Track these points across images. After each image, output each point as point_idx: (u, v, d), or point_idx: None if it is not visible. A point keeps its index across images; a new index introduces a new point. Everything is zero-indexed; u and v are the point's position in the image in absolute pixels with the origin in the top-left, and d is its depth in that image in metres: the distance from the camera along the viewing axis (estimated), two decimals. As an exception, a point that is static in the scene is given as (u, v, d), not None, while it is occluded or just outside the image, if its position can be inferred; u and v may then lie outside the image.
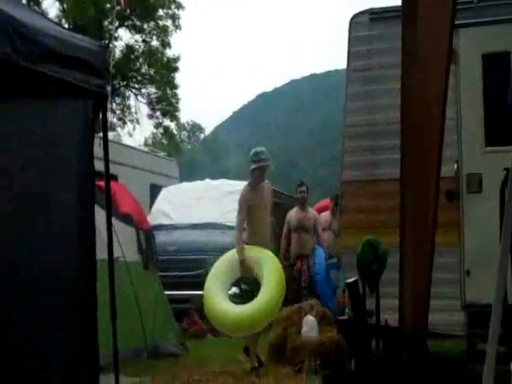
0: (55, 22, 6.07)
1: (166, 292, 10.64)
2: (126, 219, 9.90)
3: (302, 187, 12.14)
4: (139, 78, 37.69)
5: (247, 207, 9.24)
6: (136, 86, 37.96)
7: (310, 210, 12.36)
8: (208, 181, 17.24)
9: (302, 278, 11.71)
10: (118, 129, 37.13)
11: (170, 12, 36.92)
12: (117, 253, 7.55)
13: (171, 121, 40.76)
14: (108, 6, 32.28)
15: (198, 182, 17.55)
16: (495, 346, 3.49)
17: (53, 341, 4.64)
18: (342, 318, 9.01)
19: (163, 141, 47.79)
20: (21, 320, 4.46)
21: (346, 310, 8.63)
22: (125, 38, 37.37)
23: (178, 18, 37.08)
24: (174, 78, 38.07)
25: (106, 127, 5.46)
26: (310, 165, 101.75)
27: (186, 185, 18.06)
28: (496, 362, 3.53)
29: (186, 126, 78.98)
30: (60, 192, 4.95)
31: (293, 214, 12.24)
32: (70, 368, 4.76)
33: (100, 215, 5.55)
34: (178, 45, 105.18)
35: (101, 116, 5.43)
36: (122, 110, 38.68)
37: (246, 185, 9.55)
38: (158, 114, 39.41)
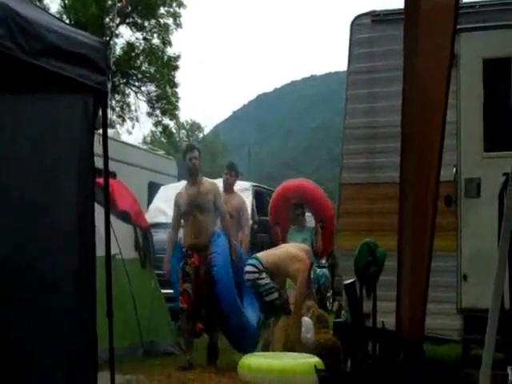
0: (57, 18, 6.05)
1: (163, 290, 10.62)
2: (124, 217, 9.89)
3: (193, 152, 9.55)
4: (139, 75, 37.72)
5: None
6: (136, 83, 37.99)
7: (204, 182, 9.62)
8: (206, 180, 17.23)
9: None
10: (118, 126, 37.16)
11: (171, 10, 36.97)
12: (114, 250, 7.56)
13: (170, 119, 40.82)
14: (109, 2, 32.32)
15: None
16: (491, 352, 3.49)
17: (52, 340, 4.64)
18: (338, 320, 8.98)
19: (162, 139, 47.76)
20: (19, 320, 4.45)
21: (343, 312, 8.62)
22: (126, 35, 37.45)
23: (179, 17, 37.15)
24: (174, 77, 38.12)
25: (105, 124, 5.46)
26: (309, 166, 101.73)
27: (184, 183, 18.04)
28: (492, 368, 3.53)
29: (185, 124, 79.03)
30: (59, 189, 4.94)
31: (182, 192, 9.60)
32: (69, 368, 4.76)
33: (98, 212, 5.55)
34: (179, 43, 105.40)
35: (101, 113, 5.43)
36: (122, 108, 38.71)
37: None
38: (158, 112, 39.43)
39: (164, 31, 36.94)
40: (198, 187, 9.29)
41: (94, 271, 4.93)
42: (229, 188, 10.80)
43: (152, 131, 52.80)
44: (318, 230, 12.03)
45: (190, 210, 9.18)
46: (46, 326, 4.60)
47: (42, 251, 4.67)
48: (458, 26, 5.56)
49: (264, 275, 8.51)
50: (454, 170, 7.70)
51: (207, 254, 9.11)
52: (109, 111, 6.98)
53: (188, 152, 9.52)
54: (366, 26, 8.53)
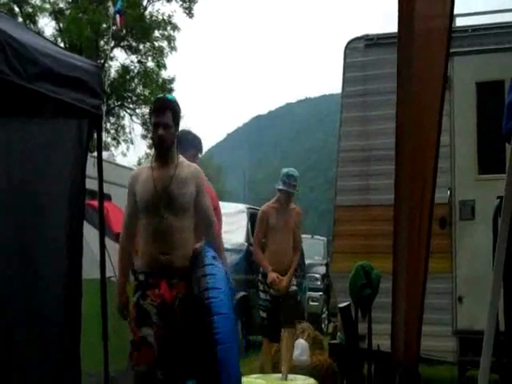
0: (51, 41, 6.09)
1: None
2: (119, 239, 9.87)
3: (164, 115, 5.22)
4: (134, 98, 37.72)
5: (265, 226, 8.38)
6: (131, 106, 37.98)
7: (182, 164, 5.49)
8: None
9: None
10: (112, 148, 37.13)
11: (166, 33, 37.02)
12: (109, 272, 7.54)
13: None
14: (104, 26, 32.39)
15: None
16: (487, 373, 3.49)
17: (36, 353, 4.65)
18: (333, 342, 8.97)
19: (157, 161, 47.64)
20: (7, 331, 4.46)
21: (338, 334, 8.61)
22: (120, 58, 37.46)
23: (174, 40, 37.20)
24: (168, 100, 38.10)
25: (100, 146, 5.48)
26: (303, 187, 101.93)
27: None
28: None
29: (180, 147, 78.88)
30: (51, 209, 4.97)
31: (141, 174, 5.46)
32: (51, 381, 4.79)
33: (93, 234, 5.57)
34: (174, 66, 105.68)
35: (95, 135, 5.46)
36: (117, 130, 38.64)
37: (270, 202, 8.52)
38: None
39: (159, 54, 36.98)
40: (171, 170, 5.39)
41: (80, 294, 4.95)
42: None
43: (147, 153, 52.64)
44: None
45: (154, 204, 5.28)
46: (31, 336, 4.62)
47: (32, 267, 4.71)
48: (451, 50, 5.60)
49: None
50: (449, 192, 7.73)
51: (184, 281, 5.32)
52: (103, 134, 7.00)
53: (154, 113, 5.41)
54: (360, 49, 8.58)
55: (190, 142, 6.52)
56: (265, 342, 8.42)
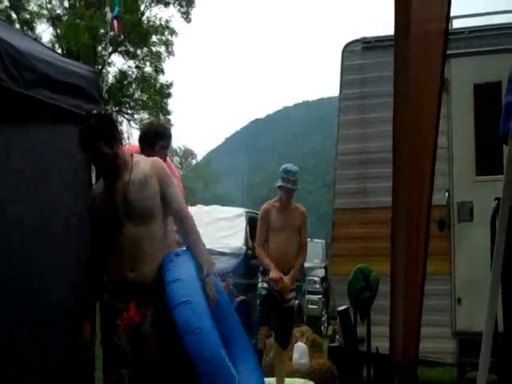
0: (48, 48, 6.10)
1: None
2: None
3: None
4: (132, 103, 37.70)
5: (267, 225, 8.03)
6: (129, 111, 37.95)
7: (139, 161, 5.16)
8: (200, 206, 17.19)
9: None
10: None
11: (164, 38, 37.03)
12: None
13: (163, 147, 40.64)
14: (102, 31, 32.38)
15: (190, 208, 17.46)
16: (486, 375, 3.49)
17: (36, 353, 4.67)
18: (333, 344, 8.97)
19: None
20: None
21: (337, 337, 8.61)
22: (118, 63, 37.57)
23: (172, 45, 37.21)
24: (166, 104, 38.10)
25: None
26: (302, 190, 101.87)
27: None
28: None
29: (178, 151, 78.96)
30: (54, 211, 4.98)
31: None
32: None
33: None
34: (171, 71, 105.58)
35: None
36: (115, 136, 38.64)
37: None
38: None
39: (156, 59, 36.98)
40: (126, 175, 4.73)
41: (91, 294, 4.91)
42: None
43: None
44: None
45: (114, 218, 4.66)
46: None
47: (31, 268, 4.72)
48: (448, 52, 5.61)
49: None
50: (447, 194, 7.73)
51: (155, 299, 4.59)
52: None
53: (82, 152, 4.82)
54: (357, 52, 8.59)
55: (159, 135, 6.10)
56: (260, 331, 7.98)
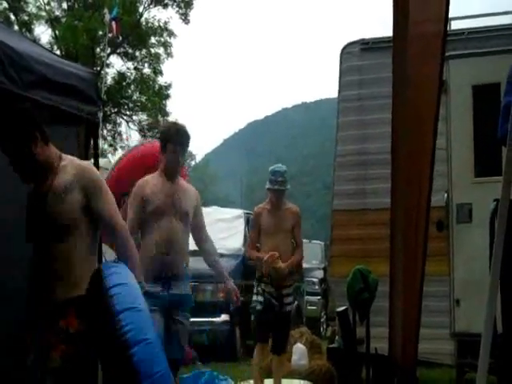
0: (47, 49, 6.10)
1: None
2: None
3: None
4: (131, 105, 37.71)
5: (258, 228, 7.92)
6: (127, 112, 37.96)
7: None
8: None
9: None
10: (109, 155, 37.11)
11: (162, 40, 37.05)
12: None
13: (162, 148, 40.59)
14: (100, 33, 32.39)
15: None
16: (485, 376, 3.49)
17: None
18: (332, 346, 8.97)
19: (154, 168, 47.52)
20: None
21: (336, 338, 8.61)
22: (117, 65, 37.52)
23: (170, 46, 37.22)
24: (165, 106, 38.11)
25: (97, 154, 5.49)
26: (300, 193, 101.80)
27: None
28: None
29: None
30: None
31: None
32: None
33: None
34: (170, 72, 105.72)
35: (92, 142, 5.46)
36: (113, 137, 38.61)
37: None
38: (149, 140, 39.31)
39: (155, 60, 37.00)
40: (49, 182, 4.15)
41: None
42: None
43: (144, 160, 52.65)
44: None
45: (37, 233, 4.20)
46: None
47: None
48: (447, 53, 5.62)
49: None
50: (446, 195, 7.73)
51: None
52: (100, 140, 7.00)
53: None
54: (356, 53, 8.60)
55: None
56: (257, 346, 7.94)
